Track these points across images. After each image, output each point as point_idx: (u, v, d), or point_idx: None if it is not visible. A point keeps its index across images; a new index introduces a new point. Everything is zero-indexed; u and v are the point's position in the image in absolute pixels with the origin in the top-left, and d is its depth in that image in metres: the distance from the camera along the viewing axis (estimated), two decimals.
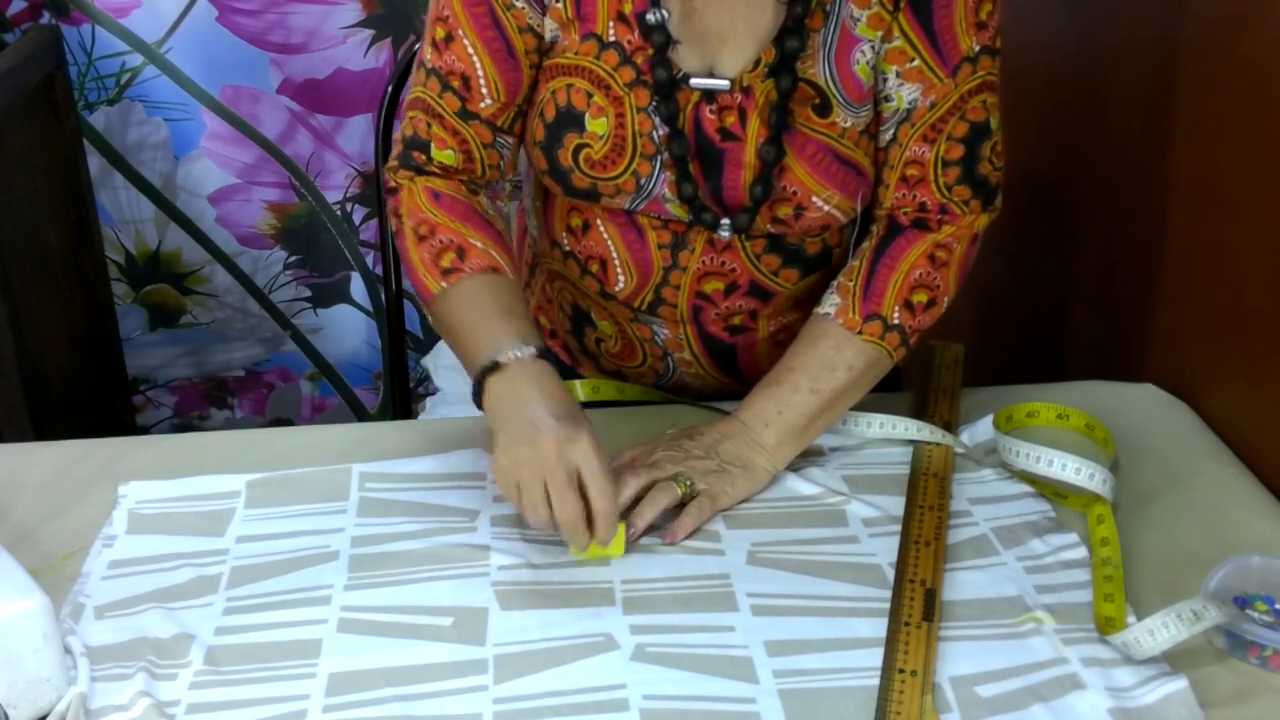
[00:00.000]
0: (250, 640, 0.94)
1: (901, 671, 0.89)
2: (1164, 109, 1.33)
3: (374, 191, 2.26)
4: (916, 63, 1.09)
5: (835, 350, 1.12)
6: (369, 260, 2.42)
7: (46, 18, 2.17)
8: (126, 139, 2.27)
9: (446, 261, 1.10)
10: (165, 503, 1.10)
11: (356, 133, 2.29)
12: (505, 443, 0.99)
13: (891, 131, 1.12)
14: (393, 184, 1.17)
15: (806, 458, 1.15)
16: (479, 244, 1.11)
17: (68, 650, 0.90)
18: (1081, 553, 1.03)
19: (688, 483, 1.06)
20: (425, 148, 1.15)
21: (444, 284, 1.10)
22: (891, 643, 0.92)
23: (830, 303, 1.13)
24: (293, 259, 2.41)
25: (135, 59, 2.20)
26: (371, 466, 1.15)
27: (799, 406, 1.10)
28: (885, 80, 1.10)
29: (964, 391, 1.28)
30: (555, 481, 0.96)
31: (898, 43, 1.08)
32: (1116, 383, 1.30)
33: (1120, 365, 1.40)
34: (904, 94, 1.10)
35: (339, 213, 2.37)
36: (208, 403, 2.55)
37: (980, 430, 1.19)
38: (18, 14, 2.16)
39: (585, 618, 0.96)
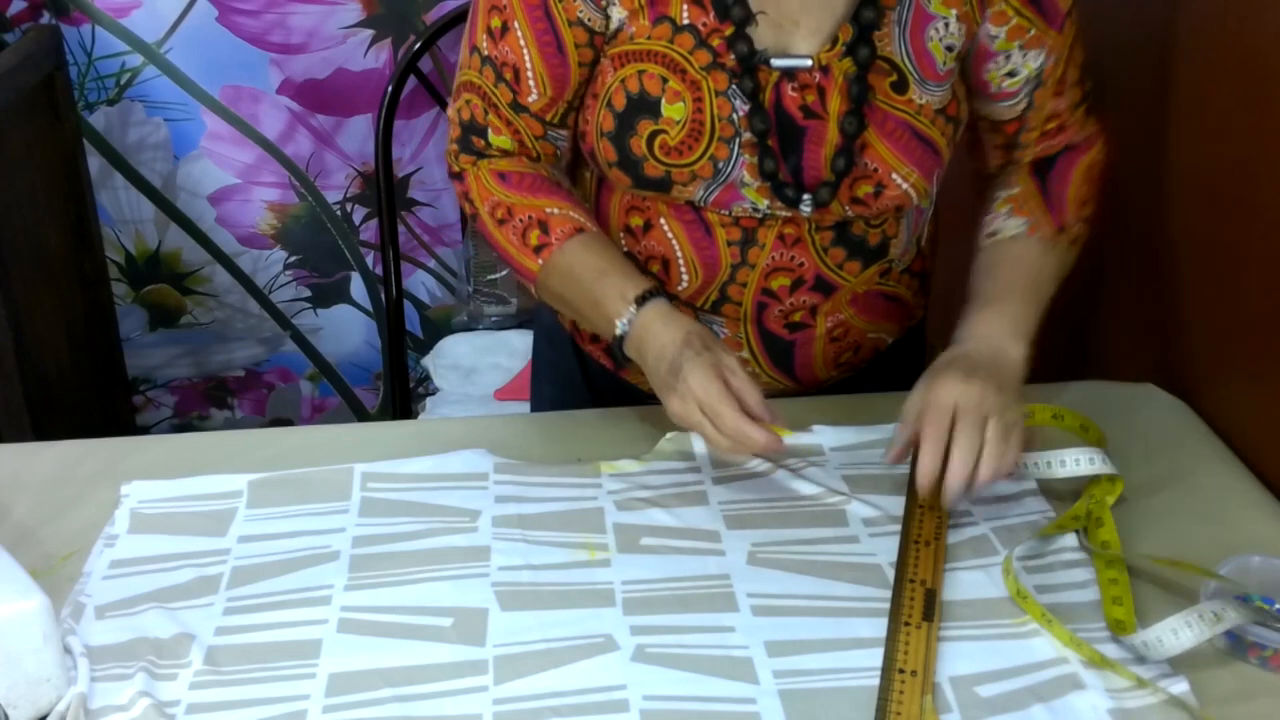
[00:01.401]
0: (250, 640, 0.94)
1: (901, 671, 0.89)
2: (1163, 107, 1.33)
3: (374, 192, 2.26)
4: (1034, 32, 1.13)
5: (1044, 262, 1.17)
6: (369, 260, 2.43)
7: (46, 18, 2.17)
8: (126, 139, 2.27)
9: (534, 239, 1.14)
10: (167, 502, 1.10)
11: (356, 133, 2.29)
12: (665, 398, 1.06)
13: (1025, 100, 1.17)
14: (456, 169, 1.21)
15: (806, 457, 1.15)
16: (556, 211, 1.15)
17: (68, 650, 0.90)
18: (1081, 552, 1.03)
19: (1005, 424, 1.02)
20: (483, 133, 1.18)
21: (540, 261, 1.14)
22: (891, 642, 0.92)
23: (1015, 224, 1.19)
24: (293, 259, 2.41)
25: (135, 59, 2.20)
26: (374, 466, 1.15)
27: (1029, 319, 1.13)
28: (1008, 57, 1.14)
29: None
30: (710, 413, 1.02)
31: (1014, 21, 1.12)
32: (1116, 383, 1.30)
33: (1120, 365, 1.40)
34: (1030, 62, 1.15)
35: (339, 213, 2.37)
36: (208, 403, 2.55)
37: None
38: (18, 14, 2.16)
39: (585, 618, 0.96)
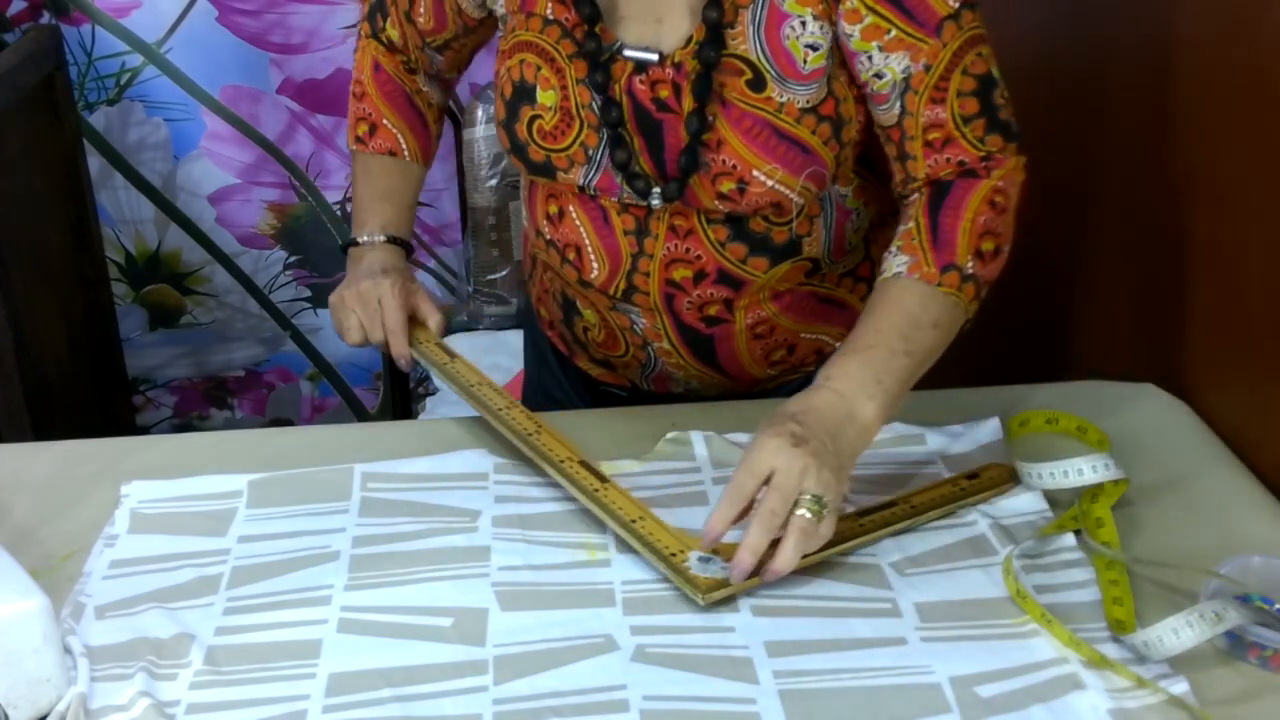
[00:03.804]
0: (250, 640, 0.94)
1: (634, 521, 1.02)
2: (1164, 108, 1.33)
3: None
4: (894, 33, 1.08)
5: (921, 308, 1.06)
6: None
7: (46, 18, 2.17)
8: (126, 139, 2.27)
9: (360, 130, 1.36)
10: (167, 502, 1.10)
11: None
12: (342, 288, 1.31)
13: (897, 105, 1.11)
14: (359, 32, 1.38)
15: None
16: (389, 124, 1.35)
17: (68, 650, 0.90)
18: (1081, 553, 1.03)
19: (819, 509, 0.96)
20: (385, 18, 1.34)
21: (354, 147, 1.37)
22: (605, 511, 1.04)
23: (899, 262, 1.09)
24: (293, 259, 2.41)
25: (135, 59, 2.20)
26: (374, 466, 1.15)
27: (897, 373, 1.04)
28: (870, 58, 1.09)
29: (963, 391, 1.28)
30: (365, 311, 1.27)
31: (869, 20, 1.08)
32: (1116, 383, 1.30)
33: (1120, 365, 1.40)
34: (893, 64, 1.09)
35: (339, 213, 2.38)
36: (208, 403, 2.55)
37: (983, 432, 1.19)
38: (18, 14, 2.17)
39: (585, 618, 0.96)
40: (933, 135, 1.10)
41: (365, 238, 1.33)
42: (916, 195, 1.13)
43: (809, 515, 0.95)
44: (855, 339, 1.06)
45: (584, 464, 1.09)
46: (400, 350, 1.26)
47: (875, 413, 1.02)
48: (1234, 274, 1.21)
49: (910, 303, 1.07)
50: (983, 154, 1.10)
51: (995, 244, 1.10)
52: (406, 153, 1.35)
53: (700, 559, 0.98)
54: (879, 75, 1.10)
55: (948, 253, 1.08)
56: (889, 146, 1.14)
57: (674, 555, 0.98)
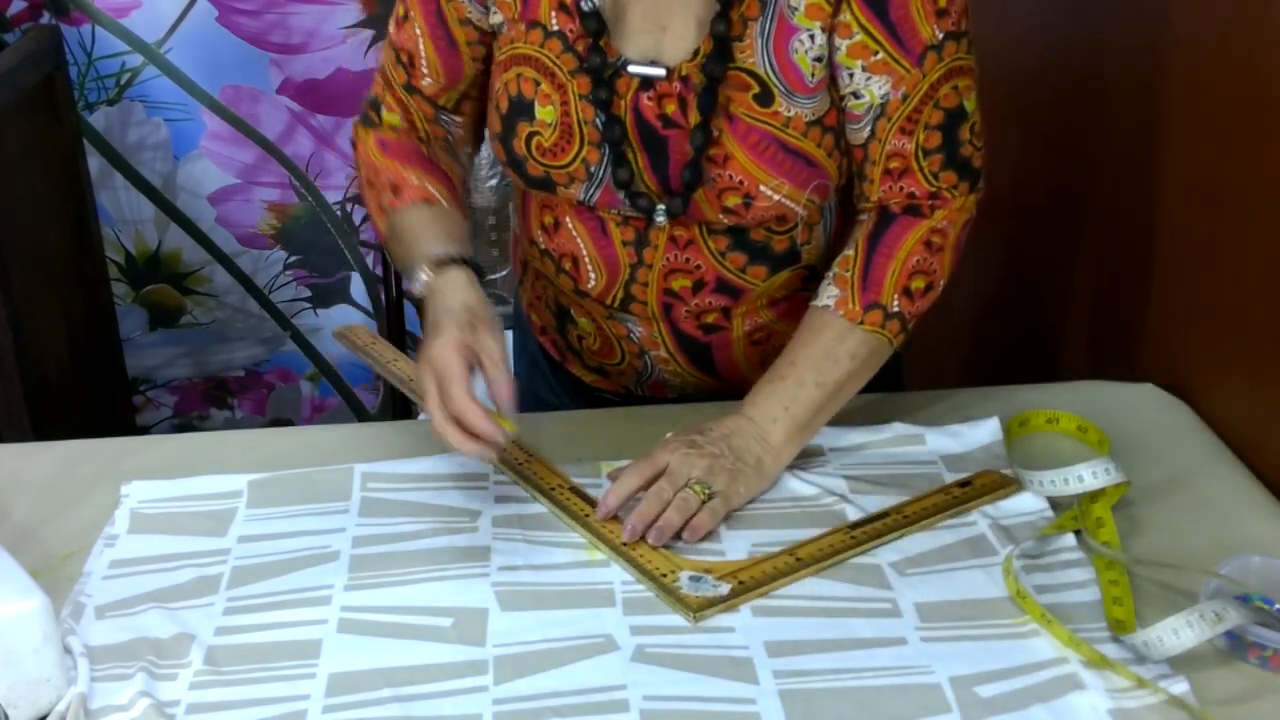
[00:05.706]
0: (250, 640, 0.94)
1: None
2: (1163, 108, 1.33)
3: None
4: (880, 55, 1.08)
5: (837, 341, 1.12)
6: (369, 260, 2.43)
7: (46, 18, 2.17)
8: (126, 139, 2.27)
9: (385, 201, 1.18)
10: (167, 502, 1.10)
11: None
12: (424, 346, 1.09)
13: (869, 128, 1.12)
14: (354, 139, 1.28)
15: (806, 458, 1.15)
16: (414, 179, 1.18)
17: (68, 650, 0.90)
18: (1081, 553, 1.03)
19: (705, 491, 1.05)
20: (378, 109, 1.24)
21: (381, 226, 1.20)
22: (595, 535, 1.04)
23: (828, 294, 1.13)
24: (293, 259, 2.41)
25: (135, 59, 2.20)
26: (374, 467, 1.15)
27: (805, 401, 1.11)
28: (851, 76, 1.10)
29: (963, 391, 1.28)
30: (426, 389, 1.04)
31: (858, 37, 1.08)
32: (1116, 383, 1.30)
33: (1119, 365, 1.40)
34: (874, 88, 1.10)
35: (339, 213, 2.38)
36: (208, 403, 2.56)
37: (983, 432, 1.19)
38: (18, 14, 2.17)
39: (585, 618, 0.96)
40: (893, 164, 1.12)
41: (419, 283, 1.10)
42: (864, 216, 1.16)
43: (691, 493, 1.05)
44: (772, 368, 1.14)
45: (574, 490, 1.10)
46: (484, 430, 1.04)
47: (782, 435, 1.11)
48: (1234, 274, 1.21)
49: (828, 337, 1.12)
50: (932, 190, 1.12)
51: (927, 282, 1.13)
52: (441, 198, 1.17)
53: (691, 578, 0.99)
54: (856, 95, 1.11)
55: (874, 292, 1.12)
56: (851, 161, 1.16)
57: (665, 576, 0.99)
